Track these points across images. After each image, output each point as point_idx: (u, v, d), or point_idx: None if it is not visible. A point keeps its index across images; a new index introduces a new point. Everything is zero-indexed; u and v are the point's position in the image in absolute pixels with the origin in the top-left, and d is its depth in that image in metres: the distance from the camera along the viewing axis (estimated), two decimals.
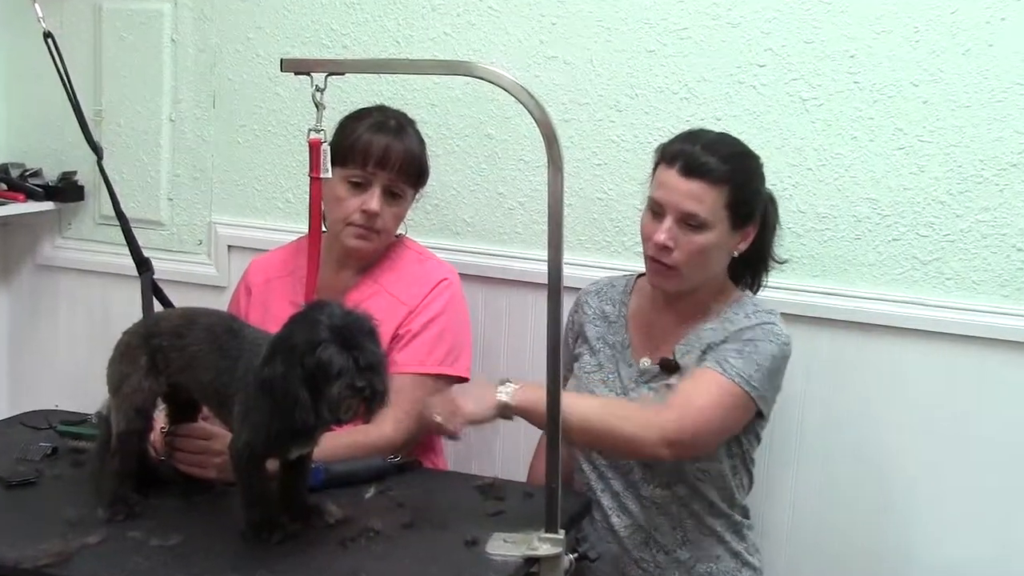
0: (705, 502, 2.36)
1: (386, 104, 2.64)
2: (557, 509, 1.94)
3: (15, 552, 1.91)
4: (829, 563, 2.68)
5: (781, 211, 2.44)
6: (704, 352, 2.31)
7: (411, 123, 2.60)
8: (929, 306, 2.55)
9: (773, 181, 2.43)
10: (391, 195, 2.53)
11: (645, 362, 2.39)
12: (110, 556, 1.93)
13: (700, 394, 2.23)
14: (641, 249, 2.35)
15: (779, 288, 2.57)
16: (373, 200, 2.50)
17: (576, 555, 2.03)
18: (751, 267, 2.43)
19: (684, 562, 2.36)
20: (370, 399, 1.86)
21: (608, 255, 2.78)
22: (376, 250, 2.59)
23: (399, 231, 2.65)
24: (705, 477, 2.34)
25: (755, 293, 2.46)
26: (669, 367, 2.34)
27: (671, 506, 2.35)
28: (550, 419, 1.93)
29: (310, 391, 1.84)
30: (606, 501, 2.39)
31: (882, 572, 2.64)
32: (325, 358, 1.83)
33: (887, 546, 2.62)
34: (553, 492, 1.93)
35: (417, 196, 2.63)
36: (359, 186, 2.50)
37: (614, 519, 2.38)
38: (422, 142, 2.59)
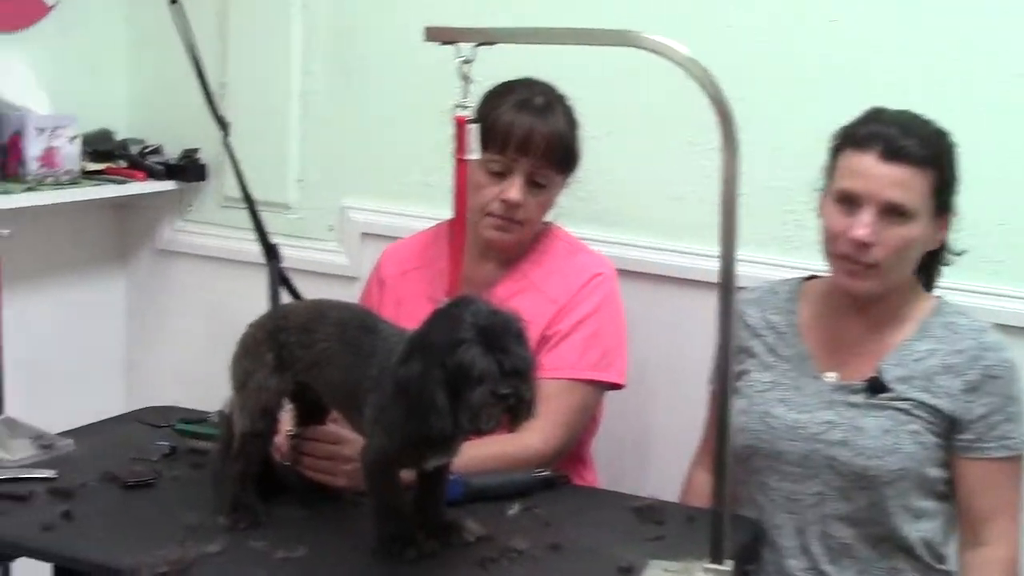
0: (906, 548, 2.31)
1: (536, 78, 2.63)
2: (724, 535, 1.92)
3: (131, 558, 1.97)
4: None
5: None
6: (932, 390, 2.27)
7: (561, 100, 2.60)
8: None
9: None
10: (535, 183, 2.54)
11: (831, 376, 2.36)
12: (231, 567, 1.98)
13: (1016, 499, 2.28)
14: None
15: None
16: (513, 189, 2.52)
17: None
18: (929, 262, 2.37)
19: None
20: (515, 408, 1.86)
21: (786, 251, 2.76)
22: (518, 242, 2.61)
23: (548, 219, 2.67)
24: (912, 518, 2.30)
25: (929, 291, 2.41)
26: (878, 387, 2.30)
27: (863, 550, 2.31)
28: (719, 435, 1.92)
29: (449, 395, 1.84)
30: (782, 539, 2.35)
31: None
32: (467, 360, 1.83)
33: None
34: (719, 516, 1.92)
35: (567, 182, 2.64)
36: (499, 172, 2.53)
37: (791, 562, 2.34)
38: (573, 122, 2.59)
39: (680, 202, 2.88)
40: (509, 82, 2.59)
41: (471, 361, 1.82)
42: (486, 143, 2.46)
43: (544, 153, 2.52)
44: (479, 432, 1.90)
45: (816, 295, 2.44)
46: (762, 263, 2.74)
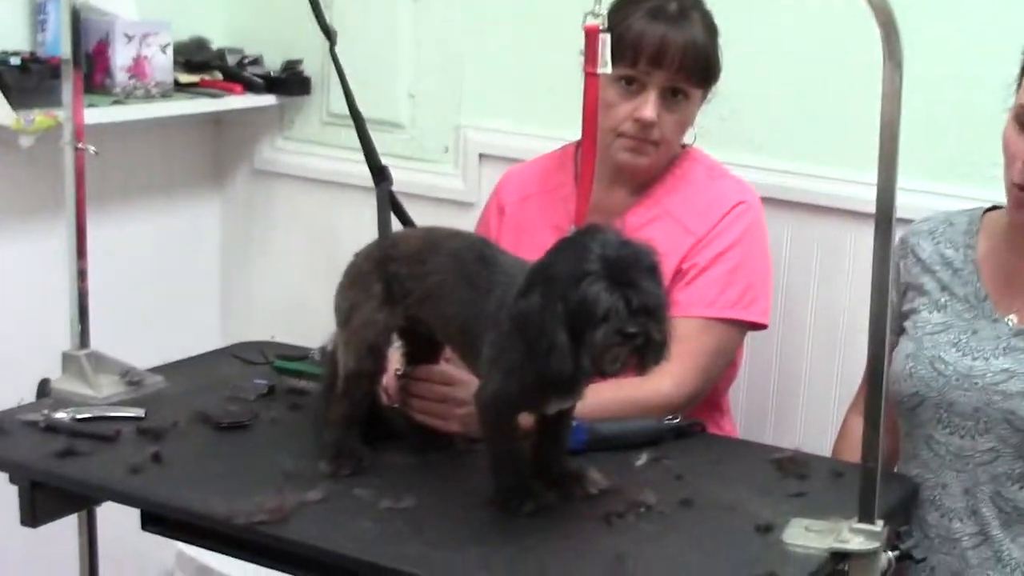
0: None
1: None
2: (875, 492, 1.92)
3: (226, 505, 2.01)
4: None
5: None
6: None
7: (698, 5, 2.57)
8: None
9: None
10: (671, 98, 2.53)
11: (1012, 319, 2.32)
12: (333, 516, 2.01)
13: None
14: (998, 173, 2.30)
15: None
16: (648, 106, 2.51)
17: (897, 552, 2.01)
18: None
19: None
20: (643, 349, 1.86)
21: (954, 180, 2.72)
22: (652, 166, 2.60)
23: (685, 141, 2.65)
24: None
25: None
26: None
27: None
28: (871, 383, 1.92)
29: (570, 333, 1.84)
30: (948, 500, 2.33)
31: None
32: (591, 295, 1.82)
33: None
34: (871, 471, 1.91)
35: (706, 98, 2.62)
36: (631, 88, 2.52)
37: (956, 525, 2.33)
38: (712, 30, 2.57)
39: (835, 123, 2.85)
40: None
41: (596, 296, 1.82)
42: (616, 56, 2.42)
43: (679, 65, 2.50)
44: (603, 375, 1.91)
45: (997, 228, 2.40)
46: (927, 192, 2.69)
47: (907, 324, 2.41)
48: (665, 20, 2.50)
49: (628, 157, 2.56)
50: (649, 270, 1.88)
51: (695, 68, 2.53)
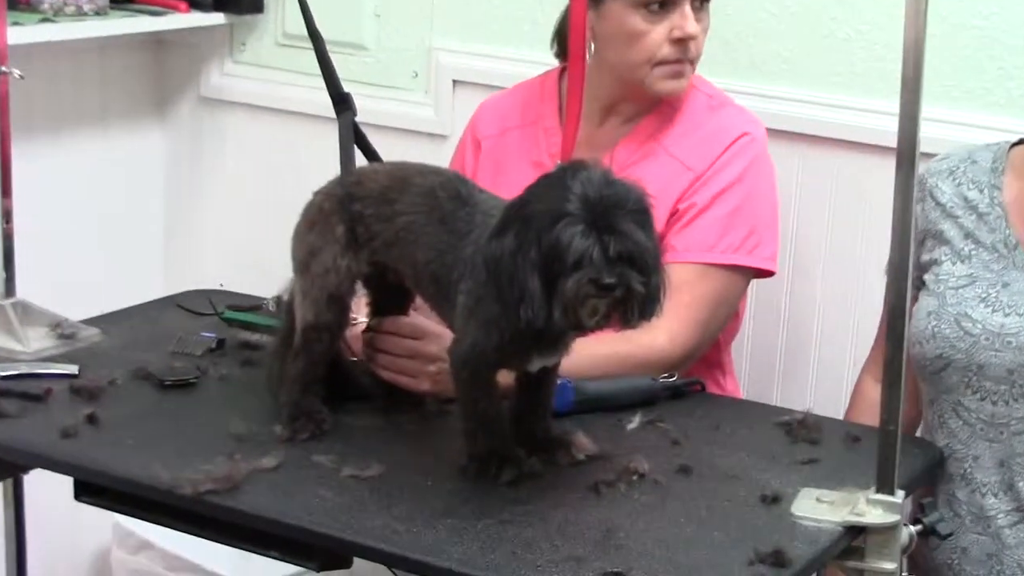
0: None
1: None
2: (895, 459, 1.92)
3: (169, 472, 2.01)
4: None
5: None
6: None
7: None
8: None
9: None
10: (699, 8, 2.54)
11: None
12: (289, 485, 2.01)
13: None
14: None
15: None
16: (689, 21, 2.50)
17: (920, 527, 2.02)
18: None
19: None
20: (624, 302, 1.86)
21: (985, 108, 2.71)
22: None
23: None
24: None
25: None
26: None
27: None
28: (891, 337, 1.92)
29: (543, 280, 1.85)
30: (980, 474, 2.33)
31: None
32: (565, 239, 1.82)
33: None
34: (891, 435, 1.91)
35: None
36: (659, 10, 2.50)
37: (990, 500, 2.33)
38: None
39: (850, 44, 2.84)
40: None
41: (569, 240, 1.82)
42: None
43: None
44: (581, 329, 1.92)
45: (1021, 166, 2.40)
46: (955, 123, 2.69)
47: (927, 277, 2.39)
48: None
49: (673, 85, 2.56)
50: (636, 213, 1.87)
51: None
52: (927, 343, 2.32)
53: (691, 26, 2.49)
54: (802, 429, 2.28)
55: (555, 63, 2.72)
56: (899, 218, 1.88)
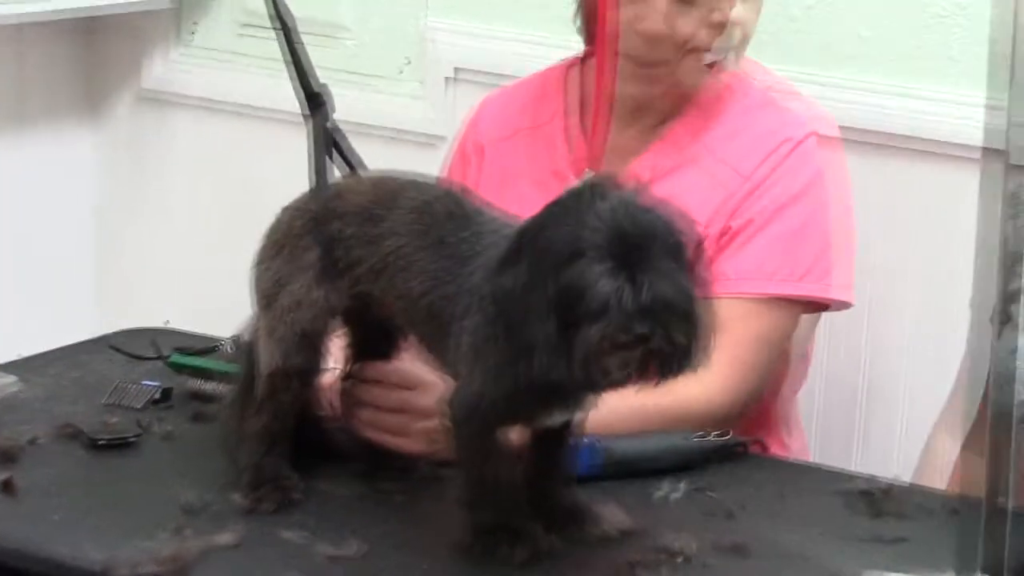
0: None
1: None
2: (1005, 542, 1.92)
3: (102, 552, 2.00)
4: None
5: None
6: None
7: None
8: None
9: None
10: None
11: None
12: (251, 567, 2.01)
13: None
14: None
15: None
16: (660, 16, 2.49)
17: None
18: None
19: None
20: (659, 356, 1.84)
21: None
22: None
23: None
24: None
25: None
26: None
27: None
28: (993, 396, 1.92)
29: (560, 325, 1.84)
30: None
31: None
32: (587, 280, 1.81)
33: None
34: (998, 513, 1.92)
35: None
36: None
37: None
38: None
39: (937, 27, 2.85)
40: None
41: (593, 281, 1.81)
42: None
43: None
44: (601, 387, 1.92)
45: None
46: None
47: (1014, 309, 2.38)
48: None
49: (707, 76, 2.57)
50: (672, 249, 1.86)
51: None
52: (1020, 392, 2.32)
53: (725, 6, 2.49)
54: (884, 499, 2.26)
55: (578, 47, 2.71)
56: (999, 237, 1.89)
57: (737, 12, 2.52)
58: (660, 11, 2.50)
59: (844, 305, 2.59)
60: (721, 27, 2.52)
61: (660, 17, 2.50)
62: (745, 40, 2.57)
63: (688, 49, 2.53)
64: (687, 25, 2.50)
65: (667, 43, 2.51)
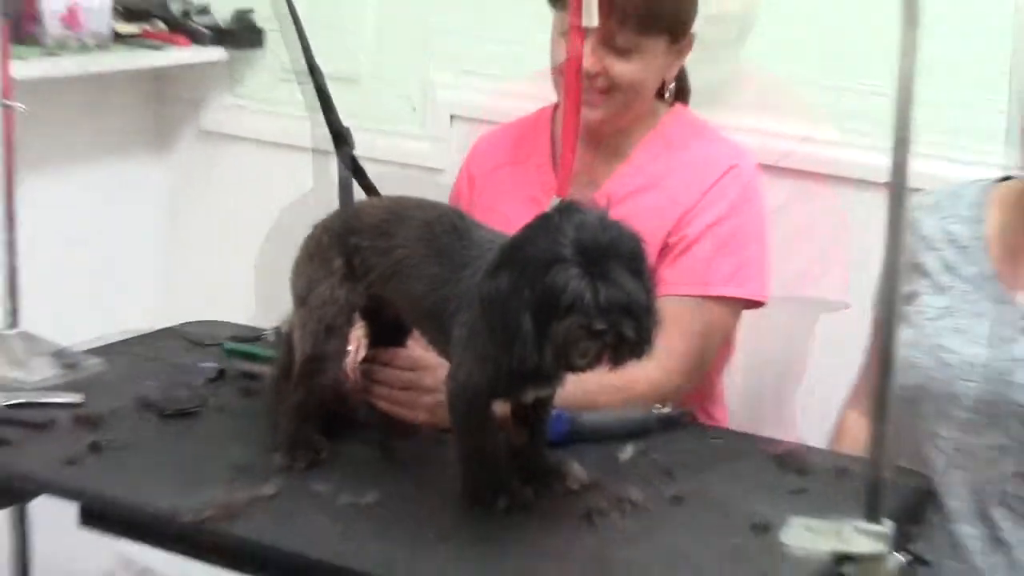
0: None
1: None
2: (884, 490, 1.91)
3: (169, 500, 2.02)
4: None
5: None
6: None
7: None
8: None
9: None
10: (615, 47, 2.50)
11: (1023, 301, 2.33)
12: (288, 513, 2.02)
13: None
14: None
15: None
16: (588, 57, 2.45)
17: (909, 556, 2.00)
18: None
19: None
20: (615, 347, 1.87)
21: (976, 144, 2.72)
22: (620, 119, 2.60)
23: (664, 96, 2.65)
24: None
25: None
26: None
27: None
28: (882, 370, 1.93)
29: (537, 321, 1.86)
30: (953, 501, 2.35)
31: None
32: (559, 283, 1.83)
33: None
34: (879, 467, 1.91)
35: (680, 49, 2.59)
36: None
37: (963, 527, 2.35)
38: None
39: (843, 81, 2.87)
40: None
41: (564, 285, 1.83)
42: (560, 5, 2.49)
43: (621, 15, 2.46)
44: (572, 370, 1.93)
45: (1010, 200, 2.40)
46: (944, 159, 2.69)
47: (908, 309, 2.39)
48: None
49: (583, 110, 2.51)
50: (630, 259, 1.88)
51: (641, 17, 2.48)
52: (905, 373, 2.30)
53: (586, 61, 2.43)
54: (792, 460, 2.28)
55: (553, 97, 2.70)
56: (890, 252, 1.90)
57: (623, 70, 2.52)
58: (560, 50, 2.48)
59: (760, 304, 2.59)
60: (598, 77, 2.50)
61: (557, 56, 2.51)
62: (641, 83, 2.55)
63: (602, 88, 2.52)
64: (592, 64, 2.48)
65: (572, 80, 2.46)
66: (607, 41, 2.47)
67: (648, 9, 2.48)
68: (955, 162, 2.66)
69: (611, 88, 2.53)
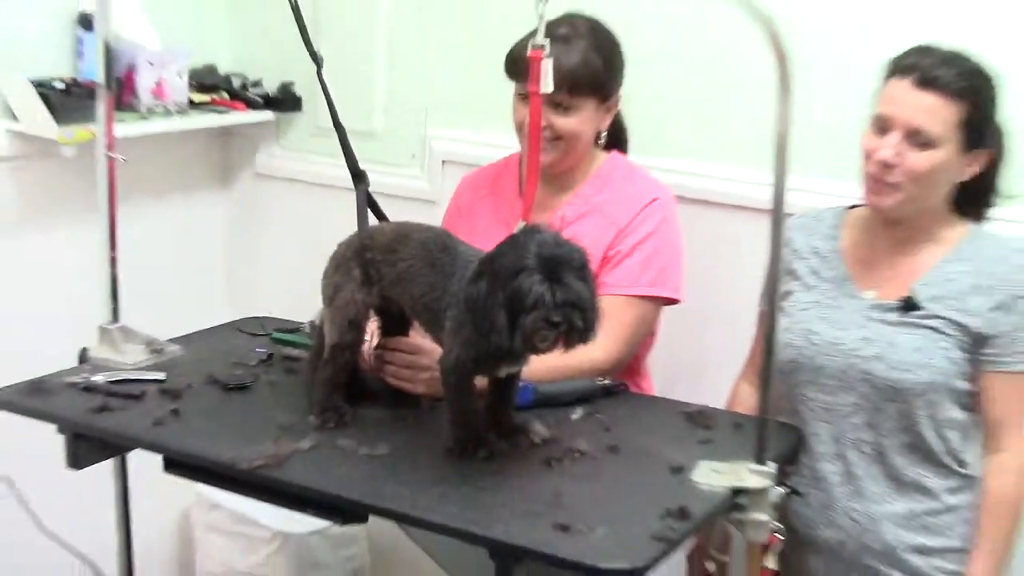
0: (932, 455, 2.29)
1: (579, 13, 2.54)
2: (768, 440, 1.94)
3: (231, 452, 2.02)
4: None
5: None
6: (962, 308, 2.24)
7: (593, 31, 2.51)
8: None
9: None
10: (555, 106, 2.48)
11: (870, 295, 2.33)
12: (320, 462, 2.02)
13: None
14: None
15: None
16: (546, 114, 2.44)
17: (787, 489, 2.02)
18: (974, 199, 2.31)
19: (896, 514, 2.30)
20: (568, 334, 1.88)
21: (833, 179, 2.71)
22: (565, 161, 2.56)
23: (599, 142, 2.62)
24: (939, 427, 2.28)
25: (979, 224, 2.34)
26: (911, 306, 2.27)
27: (893, 457, 2.29)
28: (766, 348, 1.94)
29: (508, 316, 1.86)
30: (819, 447, 2.34)
31: None
32: (525, 287, 1.84)
33: None
34: (764, 423, 1.94)
35: (608, 107, 2.57)
36: (525, 99, 2.40)
37: (826, 466, 2.34)
38: (602, 50, 2.51)
39: (737, 133, 2.84)
40: (553, 20, 2.43)
41: (528, 288, 1.84)
42: (513, 74, 2.50)
43: (554, 80, 2.38)
44: (534, 352, 1.93)
45: (857, 222, 2.41)
46: (811, 191, 2.68)
47: (785, 304, 2.39)
48: (551, 42, 2.33)
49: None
50: (578, 268, 1.89)
51: (574, 83, 2.46)
52: (783, 351, 2.32)
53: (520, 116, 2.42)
54: (700, 418, 2.28)
55: (518, 147, 2.68)
56: (773, 259, 1.91)
57: (563, 123, 2.50)
58: (518, 111, 2.49)
59: (677, 302, 2.58)
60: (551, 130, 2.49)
61: (517, 115, 2.51)
62: (579, 134, 2.52)
63: (548, 138, 2.49)
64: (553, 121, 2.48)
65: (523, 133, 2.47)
66: (550, 102, 2.46)
67: (577, 79, 2.47)
68: (820, 193, 2.64)
69: (556, 138, 2.52)
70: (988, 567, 2.27)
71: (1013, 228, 2.44)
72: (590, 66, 2.49)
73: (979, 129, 2.21)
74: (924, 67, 2.18)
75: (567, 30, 2.48)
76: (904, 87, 2.19)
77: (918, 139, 2.18)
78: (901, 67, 2.22)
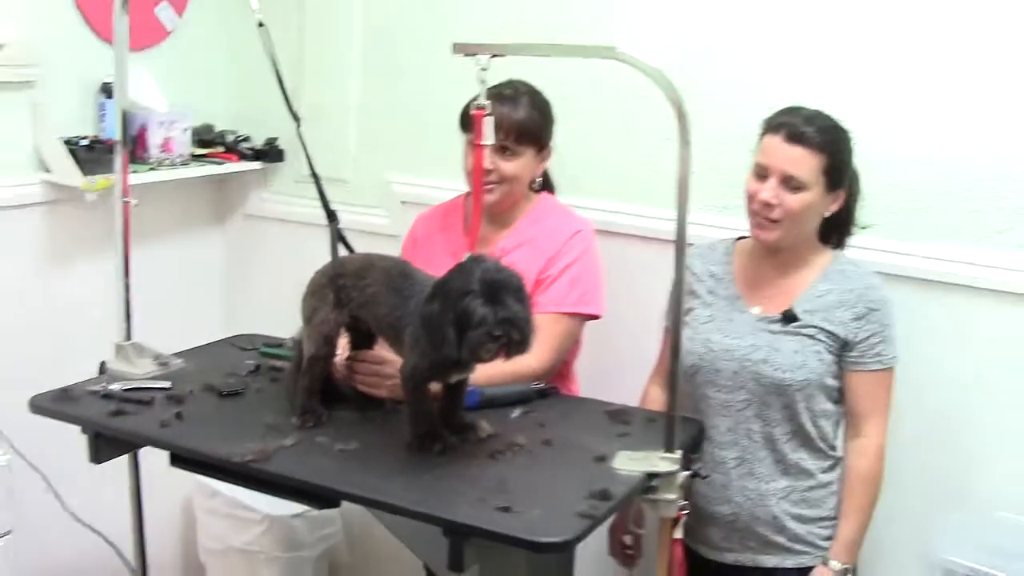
0: (810, 440, 2.30)
1: (519, 79, 2.52)
2: (675, 433, 1.93)
3: (226, 448, 1.98)
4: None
5: (870, 182, 2.38)
6: (830, 319, 2.25)
7: (531, 93, 2.50)
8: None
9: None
10: (503, 151, 2.45)
11: (756, 310, 2.33)
12: (301, 456, 1.98)
13: (886, 401, 2.28)
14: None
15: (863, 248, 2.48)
16: (486, 159, 2.40)
17: (691, 473, 2.01)
18: (837, 229, 2.35)
19: (781, 490, 2.31)
20: (507, 346, 1.85)
21: (725, 216, 2.69)
22: (506, 200, 2.52)
23: (539, 188, 2.59)
24: (815, 417, 2.29)
25: (841, 250, 2.38)
26: (790, 318, 2.28)
27: (779, 443, 2.29)
28: (673, 355, 1.91)
29: (457, 331, 1.83)
30: (718, 436, 2.33)
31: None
32: (471, 307, 1.82)
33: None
34: (672, 418, 1.92)
35: (541, 156, 2.54)
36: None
37: (724, 452, 2.32)
38: (539, 108, 2.50)
39: (645, 177, 2.83)
40: (500, 83, 2.47)
41: (473, 308, 1.82)
42: (467, 126, 2.48)
43: (507, 131, 2.42)
44: (480, 361, 1.90)
45: (745, 250, 2.42)
46: (707, 225, 2.67)
47: (687, 319, 2.37)
48: (500, 101, 2.39)
49: (485, 197, 2.46)
50: (516, 291, 1.86)
51: (520, 134, 2.45)
52: (687, 358, 2.30)
53: (486, 162, 2.37)
54: (619, 415, 2.25)
55: (463, 189, 2.64)
56: (677, 281, 1.89)
57: (507, 167, 2.46)
58: (468, 158, 2.44)
59: (598, 317, 2.54)
60: (494, 173, 2.45)
61: (468, 162, 2.45)
62: (518, 175, 2.48)
63: (493, 180, 2.46)
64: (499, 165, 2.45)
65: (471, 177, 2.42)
66: (499, 148, 2.45)
67: (522, 130, 2.46)
68: (714, 227, 2.63)
69: (500, 180, 2.48)
70: (853, 531, 2.28)
71: (866, 253, 2.47)
72: (533, 120, 2.49)
73: (839, 173, 2.25)
74: (792, 125, 2.21)
75: (511, 91, 2.49)
76: (777, 142, 2.21)
77: (791, 184, 2.21)
78: (773, 125, 2.25)
